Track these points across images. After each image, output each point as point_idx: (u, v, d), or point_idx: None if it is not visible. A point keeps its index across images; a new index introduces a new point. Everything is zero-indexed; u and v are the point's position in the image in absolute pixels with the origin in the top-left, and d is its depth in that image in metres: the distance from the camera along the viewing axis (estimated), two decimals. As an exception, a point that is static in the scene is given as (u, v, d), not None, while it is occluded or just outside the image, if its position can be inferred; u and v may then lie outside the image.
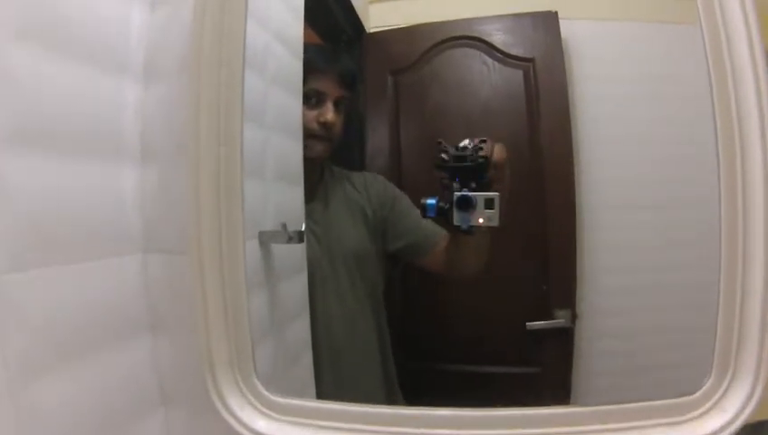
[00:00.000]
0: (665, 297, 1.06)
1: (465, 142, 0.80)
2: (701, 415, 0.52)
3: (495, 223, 0.77)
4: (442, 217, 0.81)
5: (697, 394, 0.53)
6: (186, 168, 0.58)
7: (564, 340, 1.15)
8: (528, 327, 1.15)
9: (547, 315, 1.15)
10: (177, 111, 0.61)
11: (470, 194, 0.78)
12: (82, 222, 0.57)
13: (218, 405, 0.59)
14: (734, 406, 0.51)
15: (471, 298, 1.15)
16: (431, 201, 0.81)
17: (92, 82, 0.59)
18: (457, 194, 0.78)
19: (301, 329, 0.84)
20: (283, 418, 0.59)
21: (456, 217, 0.78)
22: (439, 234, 0.94)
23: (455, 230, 0.81)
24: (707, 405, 0.52)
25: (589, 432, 0.54)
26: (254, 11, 0.71)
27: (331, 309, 0.94)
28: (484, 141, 0.81)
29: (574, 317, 1.14)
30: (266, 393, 0.60)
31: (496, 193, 0.78)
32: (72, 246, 0.55)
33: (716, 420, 0.51)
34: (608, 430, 0.53)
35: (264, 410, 0.59)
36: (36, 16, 0.51)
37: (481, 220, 0.78)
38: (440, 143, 0.81)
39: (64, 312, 0.54)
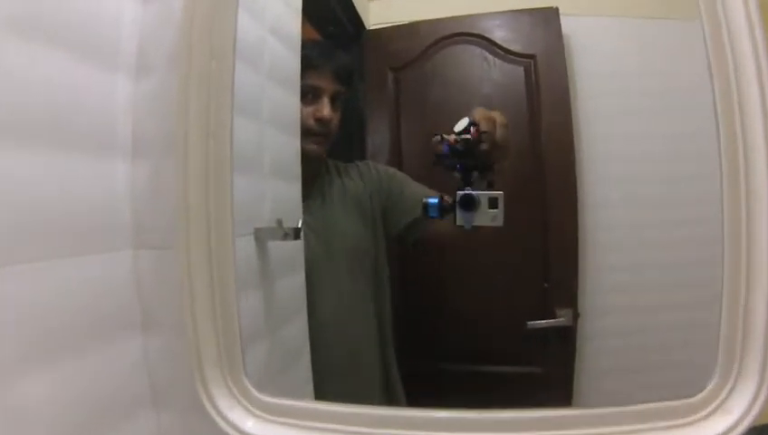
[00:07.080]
0: (669, 295, 1.05)
1: (464, 124, 0.75)
2: (704, 417, 0.50)
3: (500, 223, 0.73)
4: (445, 216, 0.77)
5: (700, 396, 0.51)
6: (174, 161, 0.56)
7: (566, 339, 1.13)
8: (529, 326, 1.13)
9: (549, 314, 1.13)
10: (167, 106, 0.60)
11: (474, 193, 0.73)
12: (71, 217, 0.55)
13: (207, 405, 0.57)
14: (739, 407, 0.49)
15: (472, 297, 1.14)
16: (433, 200, 0.77)
17: (84, 75, 0.58)
18: (460, 193, 0.73)
19: (299, 328, 0.83)
20: (274, 418, 0.57)
21: (459, 218, 0.74)
22: None
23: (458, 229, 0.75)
24: (711, 407, 0.50)
25: (588, 435, 0.52)
26: (248, 5, 0.70)
27: (330, 307, 0.93)
28: (475, 126, 0.77)
29: (576, 316, 1.13)
30: (256, 393, 0.58)
31: (500, 192, 0.73)
32: (60, 242, 0.54)
33: (720, 423, 0.49)
34: (608, 434, 0.51)
35: (254, 410, 0.57)
36: (27, 6, 0.50)
37: (485, 221, 0.73)
38: (437, 135, 0.76)
39: (51, 308, 0.53)
